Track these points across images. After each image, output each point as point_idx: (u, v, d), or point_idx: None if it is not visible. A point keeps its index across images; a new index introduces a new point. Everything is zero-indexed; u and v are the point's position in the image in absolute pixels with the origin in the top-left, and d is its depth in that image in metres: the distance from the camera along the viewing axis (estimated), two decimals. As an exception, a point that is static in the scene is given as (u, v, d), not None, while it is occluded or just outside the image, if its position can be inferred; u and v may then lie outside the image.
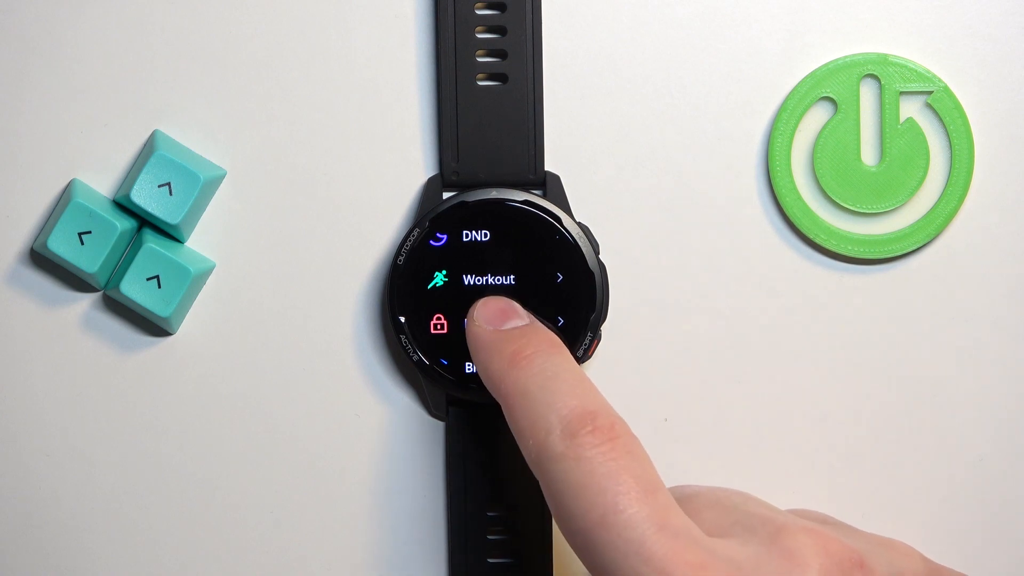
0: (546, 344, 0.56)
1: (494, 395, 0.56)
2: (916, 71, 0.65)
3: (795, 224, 0.65)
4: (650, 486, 0.51)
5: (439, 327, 0.63)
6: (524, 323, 0.57)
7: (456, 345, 0.63)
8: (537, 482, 0.54)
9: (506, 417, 0.55)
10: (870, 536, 0.60)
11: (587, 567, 0.51)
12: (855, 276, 0.66)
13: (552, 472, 0.52)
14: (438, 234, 0.63)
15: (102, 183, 0.65)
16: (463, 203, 0.63)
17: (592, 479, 0.50)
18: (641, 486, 0.51)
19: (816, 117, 0.65)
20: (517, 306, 0.58)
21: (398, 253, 0.63)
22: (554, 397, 0.53)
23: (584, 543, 0.51)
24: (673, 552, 0.49)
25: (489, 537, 0.65)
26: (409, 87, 0.65)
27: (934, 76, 0.65)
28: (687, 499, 0.57)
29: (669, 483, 0.66)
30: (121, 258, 0.64)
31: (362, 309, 0.65)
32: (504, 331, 0.57)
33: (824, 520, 0.62)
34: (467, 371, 0.63)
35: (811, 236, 0.65)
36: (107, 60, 0.65)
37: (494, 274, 0.63)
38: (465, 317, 0.63)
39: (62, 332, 0.65)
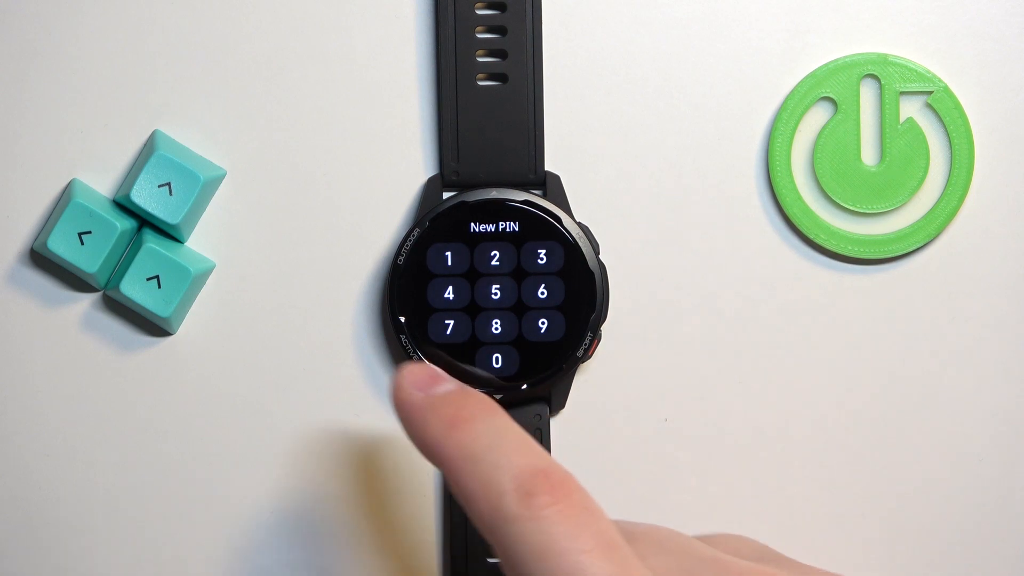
0: (483, 405, 0.54)
1: (433, 462, 0.53)
2: (916, 71, 0.65)
3: (795, 224, 0.65)
4: (611, 542, 0.50)
5: (439, 327, 0.63)
6: (454, 388, 0.55)
7: (456, 345, 0.63)
8: None
9: (450, 483, 0.52)
10: (810, 570, 0.59)
11: None
12: (855, 276, 0.66)
13: (510, 535, 0.50)
14: (439, 234, 0.63)
15: (102, 183, 0.65)
16: (463, 203, 0.63)
17: (552, 540, 0.50)
18: (603, 543, 0.50)
19: (816, 117, 0.65)
20: (442, 372, 0.56)
21: (398, 253, 0.63)
22: (503, 458, 0.51)
23: None
24: None
25: (489, 537, 0.65)
26: (409, 87, 0.65)
27: (934, 76, 0.65)
28: (631, 542, 0.56)
29: (669, 485, 0.66)
30: (121, 258, 0.64)
31: (362, 309, 0.65)
32: (438, 395, 0.55)
33: (762, 555, 0.61)
34: (466, 373, 0.63)
35: (811, 236, 0.65)
36: (107, 60, 0.65)
37: (494, 274, 0.63)
38: (469, 317, 0.63)
39: (62, 332, 0.65)
